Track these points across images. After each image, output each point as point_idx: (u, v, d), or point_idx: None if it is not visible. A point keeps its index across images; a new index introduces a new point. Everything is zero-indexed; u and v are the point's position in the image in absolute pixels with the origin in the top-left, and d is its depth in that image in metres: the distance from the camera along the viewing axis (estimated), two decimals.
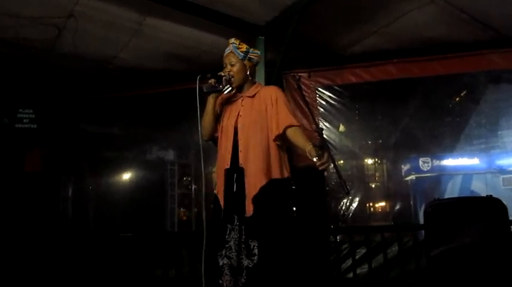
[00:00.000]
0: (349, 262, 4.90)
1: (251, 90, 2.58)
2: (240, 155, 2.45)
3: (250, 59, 2.58)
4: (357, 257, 4.86)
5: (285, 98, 2.55)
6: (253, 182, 2.39)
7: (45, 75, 5.41)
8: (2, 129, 5.60)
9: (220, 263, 2.37)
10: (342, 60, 5.04)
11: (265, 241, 2.32)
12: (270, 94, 2.52)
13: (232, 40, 2.59)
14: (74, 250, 5.20)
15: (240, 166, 2.43)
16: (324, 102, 5.11)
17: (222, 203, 2.46)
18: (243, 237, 2.36)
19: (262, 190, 2.37)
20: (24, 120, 5.67)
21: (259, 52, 2.68)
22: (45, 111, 5.79)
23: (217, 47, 4.52)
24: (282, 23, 4.19)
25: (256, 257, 2.30)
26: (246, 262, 2.33)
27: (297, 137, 2.40)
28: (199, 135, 2.58)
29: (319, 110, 5.06)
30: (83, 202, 7.26)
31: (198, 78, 2.45)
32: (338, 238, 5.06)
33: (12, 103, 5.66)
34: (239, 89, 2.61)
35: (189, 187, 9.76)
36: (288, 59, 4.57)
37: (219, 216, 2.45)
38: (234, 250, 2.37)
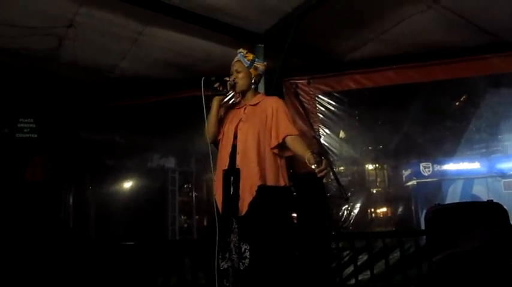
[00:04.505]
0: (351, 268, 4.88)
1: (254, 100, 2.69)
2: (238, 157, 2.53)
3: (255, 68, 2.70)
4: (359, 263, 4.85)
5: (286, 109, 2.65)
6: (248, 184, 2.45)
7: (46, 84, 5.42)
8: (2, 139, 5.60)
9: (226, 266, 2.41)
10: (342, 66, 5.06)
11: (256, 245, 2.35)
12: (271, 104, 2.63)
13: (240, 49, 2.73)
14: (75, 258, 5.20)
15: (237, 167, 2.50)
16: (323, 109, 5.12)
17: (220, 205, 2.50)
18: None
19: (256, 193, 2.43)
20: (25, 130, 5.66)
21: (265, 62, 2.80)
22: (46, 121, 5.79)
23: (216, 56, 4.55)
24: (281, 31, 4.21)
25: (247, 261, 2.34)
26: (240, 264, 2.37)
27: (296, 145, 2.48)
28: (206, 138, 2.64)
29: (319, 116, 5.06)
30: (84, 211, 7.24)
31: (202, 79, 2.53)
32: (340, 244, 5.05)
33: (12, 113, 5.66)
34: (243, 96, 2.70)
35: (190, 194, 9.74)
36: (287, 66, 4.60)
37: (218, 218, 2.48)
38: (234, 253, 2.41)
